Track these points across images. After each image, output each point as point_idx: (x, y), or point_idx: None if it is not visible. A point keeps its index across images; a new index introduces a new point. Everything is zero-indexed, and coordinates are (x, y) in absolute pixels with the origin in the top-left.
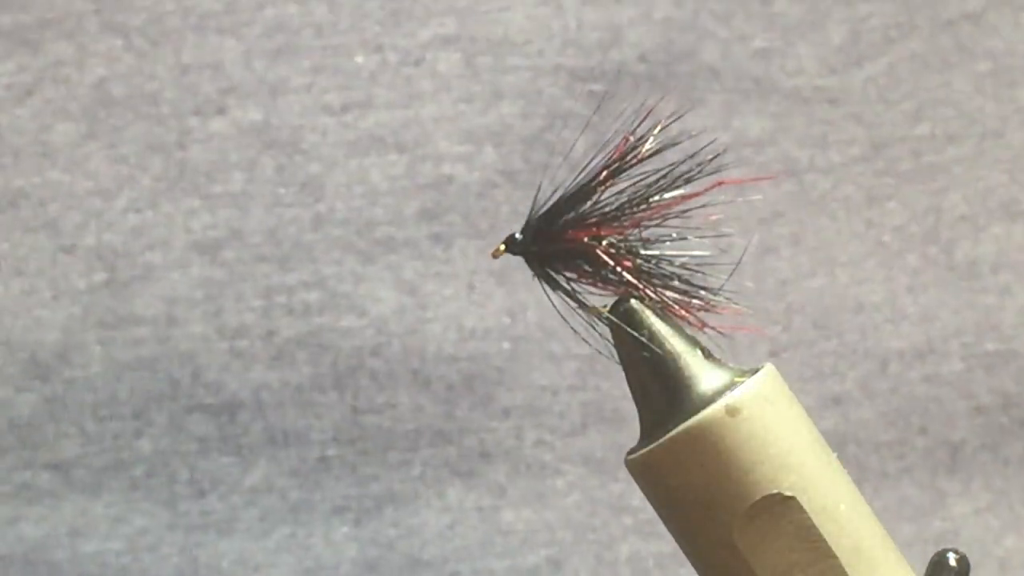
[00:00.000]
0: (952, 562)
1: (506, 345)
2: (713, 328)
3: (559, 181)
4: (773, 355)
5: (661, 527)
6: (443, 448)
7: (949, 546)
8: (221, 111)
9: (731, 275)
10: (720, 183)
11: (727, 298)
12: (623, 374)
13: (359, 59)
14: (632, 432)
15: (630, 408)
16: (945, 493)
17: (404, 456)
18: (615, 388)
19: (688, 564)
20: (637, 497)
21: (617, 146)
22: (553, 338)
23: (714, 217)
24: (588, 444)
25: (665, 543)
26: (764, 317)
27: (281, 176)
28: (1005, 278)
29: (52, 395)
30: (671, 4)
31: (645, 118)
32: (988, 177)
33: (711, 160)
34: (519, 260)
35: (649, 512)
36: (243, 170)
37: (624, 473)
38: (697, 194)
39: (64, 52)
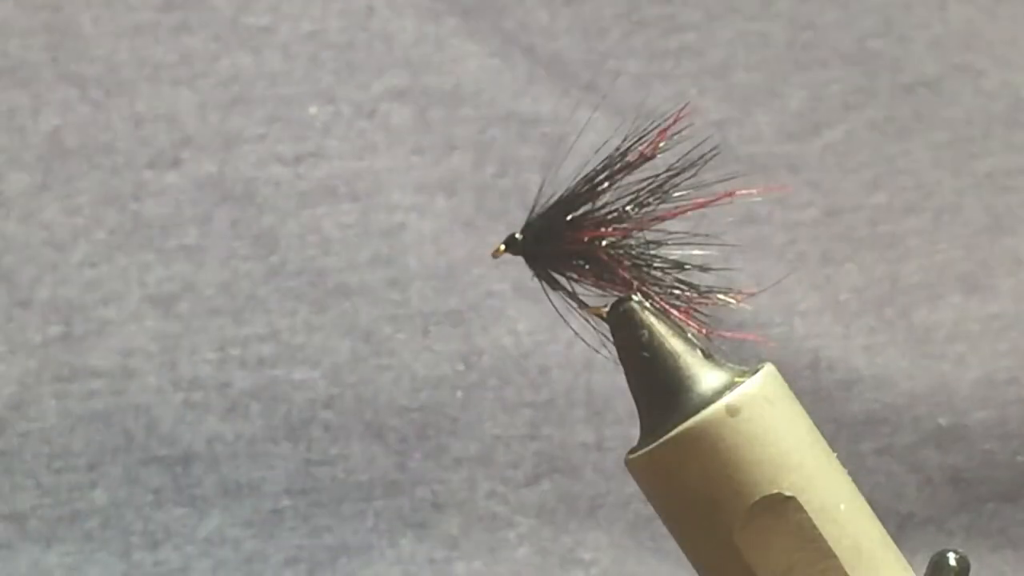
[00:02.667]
0: (952, 562)
1: (459, 394)
2: (713, 331)
3: (558, 182)
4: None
5: None
6: (396, 499)
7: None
8: (175, 163)
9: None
10: (730, 194)
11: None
12: (624, 376)
13: (312, 110)
14: (586, 482)
15: (583, 457)
16: None
17: (357, 507)
18: (568, 437)
19: None
20: (588, 550)
21: (620, 147)
22: (508, 385)
23: (726, 221)
24: (540, 495)
25: None
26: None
27: (235, 229)
28: (960, 348)
29: (7, 447)
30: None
31: (649, 124)
32: (946, 252)
33: (710, 157)
34: (475, 301)
35: (600, 567)
36: (197, 224)
37: (576, 523)
38: (704, 203)
39: (18, 100)
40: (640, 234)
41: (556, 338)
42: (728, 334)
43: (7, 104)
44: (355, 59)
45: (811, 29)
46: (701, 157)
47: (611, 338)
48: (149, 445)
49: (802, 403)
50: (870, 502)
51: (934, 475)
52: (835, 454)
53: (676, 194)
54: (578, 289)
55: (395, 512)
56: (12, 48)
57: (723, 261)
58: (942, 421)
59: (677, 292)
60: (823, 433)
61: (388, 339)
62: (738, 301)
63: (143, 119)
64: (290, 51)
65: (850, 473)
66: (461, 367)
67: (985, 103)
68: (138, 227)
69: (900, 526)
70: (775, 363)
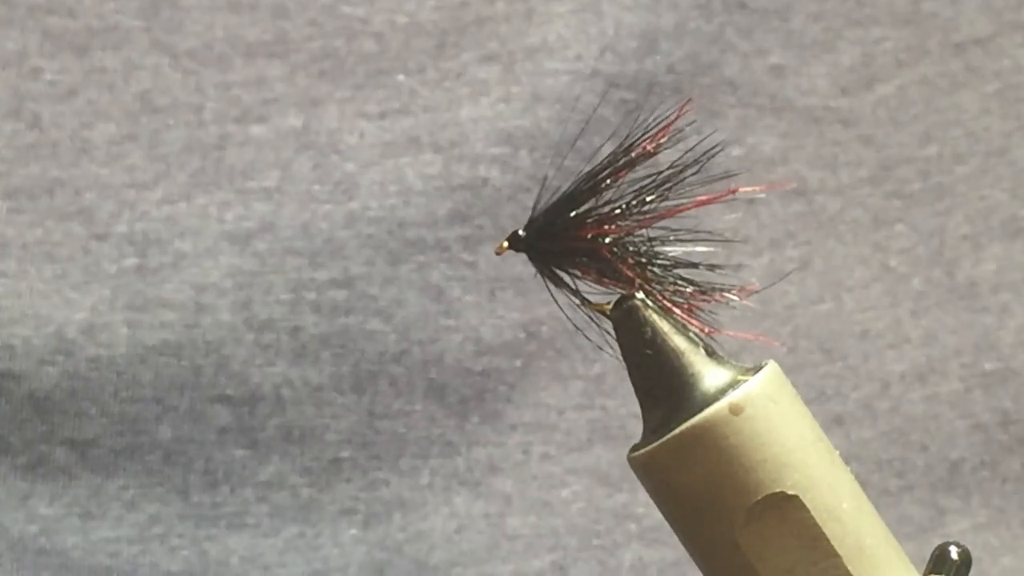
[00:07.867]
0: (954, 555)
1: (518, 363)
2: (716, 330)
3: (563, 179)
4: None
5: (665, 534)
6: (452, 459)
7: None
8: (261, 119)
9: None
10: (733, 191)
11: (730, 300)
12: (628, 375)
13: (400, 77)
14: None
15: (636, 426)
16: (944, 510)
17: (414, 463)
18: (622, 407)
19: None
20: (642, 504)
21: (622, 145)
22: (563, 358)
23: (730, 216)
24: (594, 459)
25: (669, 550)
26: (771, 338)
27: (316, 173)
28: (1004, 297)
29: (75, 371)
30: (702, 17)
31: (656, 122)
32: (991, 195)
33: (708, 158)
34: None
35: (653, 518)
36: (279, 168)
37: (629, 483)
38: (707, 200)
39: (110, 62)
40: (643, 231)
41: None
42: (732, 333)
43: (98, 63)
44: (447, 41)
45: None
46: (704, 154)
47: (614, 335)
48: (217, 382)
49: (850, 363)
50: (922, 449)
51: (984, 419)
52: (837, 452)
53: (680, 190)
54: (581, 286)
55: (451, 471)
56: (106, 11)
57: (726, 257)
58: (988, 366)
59: (680, 289)
60: (868, 389)
61: (457, 300)
62: (742, 298)
63: (232, 84)
64: (384, 39)
65: (900, 422)
66: (522, 335)
67: None
68: (220, 170)
69: (952, 471)
70: (819, 338)
